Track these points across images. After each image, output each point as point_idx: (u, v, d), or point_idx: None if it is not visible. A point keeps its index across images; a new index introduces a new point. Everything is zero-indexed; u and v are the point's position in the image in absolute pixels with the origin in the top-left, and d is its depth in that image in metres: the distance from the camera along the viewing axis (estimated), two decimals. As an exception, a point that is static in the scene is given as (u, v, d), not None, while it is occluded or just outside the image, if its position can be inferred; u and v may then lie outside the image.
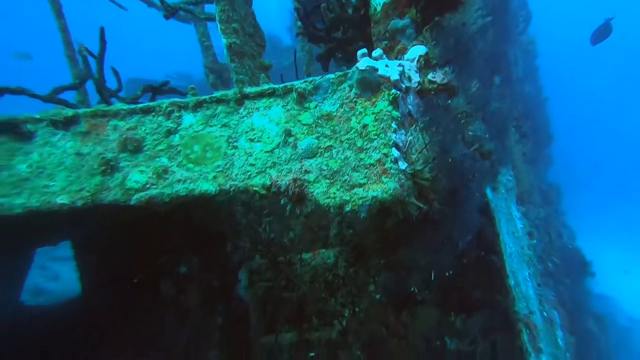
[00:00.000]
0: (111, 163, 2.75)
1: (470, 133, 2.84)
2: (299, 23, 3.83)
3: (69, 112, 2.96)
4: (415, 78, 2.74)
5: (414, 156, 2.22)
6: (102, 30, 3.30)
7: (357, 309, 4.22)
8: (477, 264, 4.02)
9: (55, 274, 12.09)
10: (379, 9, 3.27)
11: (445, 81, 2.58)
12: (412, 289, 4.17)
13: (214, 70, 6.96)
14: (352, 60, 3.68)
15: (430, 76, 2.85)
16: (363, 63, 2.38)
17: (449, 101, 2.78)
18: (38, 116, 2.99)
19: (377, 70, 2.35)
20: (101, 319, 4.89)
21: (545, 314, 4.46)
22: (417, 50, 2.78)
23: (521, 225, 5.10)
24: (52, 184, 2.80)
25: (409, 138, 2.24)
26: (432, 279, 3.80)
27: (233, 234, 4.63)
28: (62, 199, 2.70)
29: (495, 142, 3.52)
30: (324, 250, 4.36)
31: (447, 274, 4.01)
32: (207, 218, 4.62)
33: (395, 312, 4.21)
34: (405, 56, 2.80)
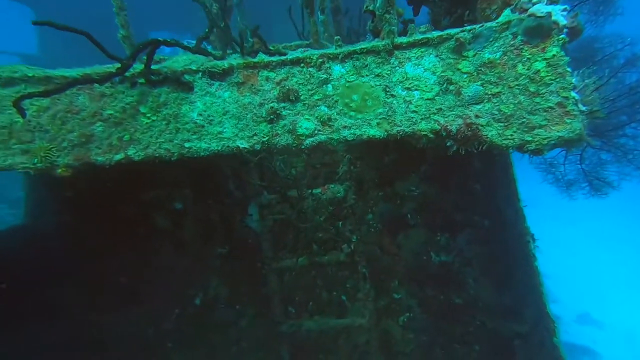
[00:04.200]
0: (277, 112, 2.13)
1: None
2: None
3: (225, 63, 2.32)
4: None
5: (590, 97, 1.66)
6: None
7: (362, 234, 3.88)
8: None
9: None
10: (490, -47, 2.44)
11: (574, 24, 1.91)
12: (406, 215, 3.86)
13: None
14: (448, 3, 2.92)
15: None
16: (538, 8, 1.70)
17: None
18: (194, 67, 2.30)
19: (552, 15, 1.68)
20: (81, 250, 3.82)
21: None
22: (544, -5, 2.07)
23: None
24: (224, 130, 2.20)
25: (586, 81, 1.66)
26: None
27: (237, 172, 3.95)
28: (241, 143, 2.13)
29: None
30: (333, 185, 3.86)
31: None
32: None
33: (390, 235, 3.90)
34: None
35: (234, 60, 2.40)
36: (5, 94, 2.28)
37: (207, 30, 2.53)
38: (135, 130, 2.34)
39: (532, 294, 3.50)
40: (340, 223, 3.91)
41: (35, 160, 2.22)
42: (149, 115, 2.35)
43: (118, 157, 2.31)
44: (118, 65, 2.30)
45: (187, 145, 2.31)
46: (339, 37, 2.30)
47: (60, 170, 2.25)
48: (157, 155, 2.31)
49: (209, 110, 2.35)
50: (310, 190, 3.87)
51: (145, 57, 2.35)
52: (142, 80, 2.35)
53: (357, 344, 4.10)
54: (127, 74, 2.37)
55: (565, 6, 1.86)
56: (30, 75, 2.24)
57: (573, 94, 1.73)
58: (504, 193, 3.59)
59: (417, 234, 3.93)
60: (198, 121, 2.34)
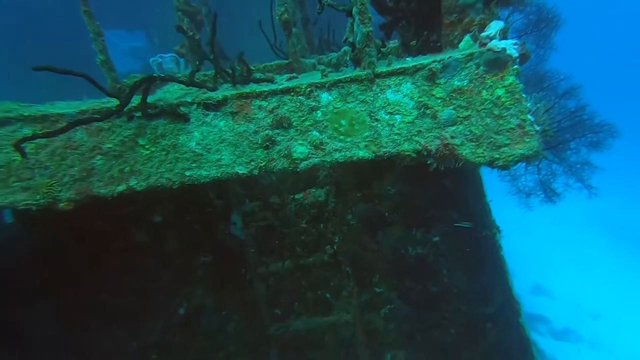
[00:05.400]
0: (272, 138, 2.29)
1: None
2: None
3: (219, 95, 2.42)
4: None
5: (542, 118, 1.96)
6: (214, 16, 2.60)
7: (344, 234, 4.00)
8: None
9: None
10: (450, -14, 2.73)
11: (523, 51, 2.23)
12: (384, 213, 4.04)
13: (187, 12, 4.63)
14: (415, 28, 3.19)
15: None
16: (495, 44, 1.99)
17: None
18: (190, 99, 2.40)
19: (506, 49, 1.97)
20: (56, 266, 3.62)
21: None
22: (497, 25, 2.39)
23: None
24: (222, 157, 2.33)
25: (538, 104, 1.97)
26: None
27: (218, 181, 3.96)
28: (240, 169, 2.26)
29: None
30: (314, 190, 3.98)
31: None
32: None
33: (369, 233, 4.07)
34: (488, 30, 2.38)
35: (227, 91, 2.50)
36: (1, 133, 2.25)
37: (197, 63, 2.62)
38: (136, 161, 2.39)
39: (499, 280, 3.88)
40: (322, 225, 4.07)
41: (38, 196, 2.21)
42: (148, 146, 2.41)
43: (120, 188, 2.35)
44: (105, 97, 2.35)
45: (187, 173, 2.39)
46: (324, 67, 2.48)
47: (62, 204, 2.26)
48: (159, 184, 2.37)
49: (206, 139, 2.44)
50: (292, 196, 4.00)
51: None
52: (138, 114, 2.40)
53: (343, 339, 4.30)
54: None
55: (516, 41, 2.16)
56: (26, 114, 2.23)
57: (529, 116, 2.03)
58: (472, 189, 3.92)
59: (394, 230, 4.17)
60: (197, 150, 2.43)
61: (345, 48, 4.39)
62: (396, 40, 3.80)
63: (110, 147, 2.37)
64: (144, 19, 13.35)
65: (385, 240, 4.20)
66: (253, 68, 3.52)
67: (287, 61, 3.83)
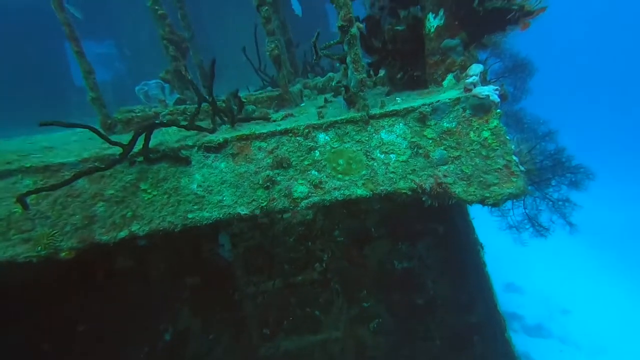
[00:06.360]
0: (272, 179, 2.36)
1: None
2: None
3: (220, 138, 2.46)
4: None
5: (525, 159, 2.13)
6: (213, 62, 2.65)
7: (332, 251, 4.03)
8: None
9: None
10: (432, 30, 2.94)
11: (502, 92, 2.42)
12: (370, 228, 4.09)
13: (172, 41, 4.60)
14: (400, 65, 3.33)
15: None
16: (480, 90, 2.15)
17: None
18: (190, 143, 2.44)
19: (490, 96, 2.13)
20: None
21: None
22: (477, 68, 2.57)
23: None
24: (224, 198, 2.36)
25: (521, 146, 2.13)
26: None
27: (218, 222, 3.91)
28: (242, 210, 2.30)
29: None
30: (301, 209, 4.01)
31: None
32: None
33: (356, 248, 4.11)
34: (471, 77, 2.54)
35: (227, 133, 2.53)
36: (1, 186, 2.18)
37: (196, 106, 2.65)
38: (138, 206, 2.37)
39: (483, 295, 4.06)
40: (310, 243, 4.11)
41: (39, 248, 2.16)
42: (149, 190, 2.40)
43: (122, 234, 2.32)
44: (100, 139, 2.33)
45: (190, 216, 2.40)
46: (320, 109, 2.57)
47: (64, 253, 2.21)
48: (162, 228, 2.36)
49: (207, 181, 2.46)
50: (280, 215, 4.02)
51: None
52: (139, 159, 2.40)
53: (332, 354, 4.35)
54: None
55: (497, 87, 2.33)
56: (27, 166, 2.18)
57: (514, 157, 2.19)
58: (456, 206, 4.09)
59: (381, 245, 4.27)
60: (198, 192, 2.44)
61: (330, 74, 4.52)
62: (381, 71, 3.96)
63: (112, 193, 2.34)
64: (113, 29, 13.04)
65: (372, 255, 4.29)
66: (244, 99, 3.57)
67: (277, 92, 3.90)
